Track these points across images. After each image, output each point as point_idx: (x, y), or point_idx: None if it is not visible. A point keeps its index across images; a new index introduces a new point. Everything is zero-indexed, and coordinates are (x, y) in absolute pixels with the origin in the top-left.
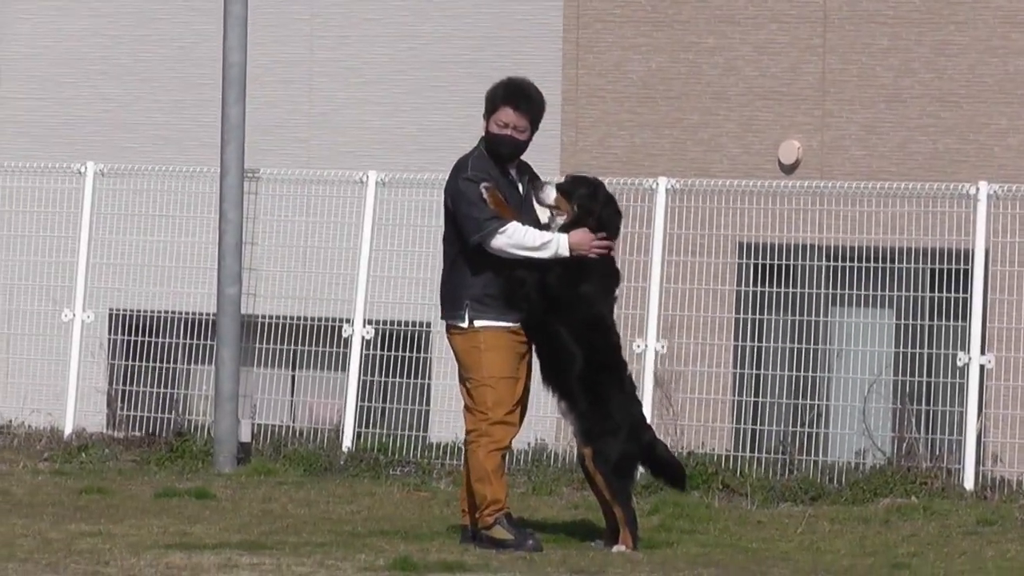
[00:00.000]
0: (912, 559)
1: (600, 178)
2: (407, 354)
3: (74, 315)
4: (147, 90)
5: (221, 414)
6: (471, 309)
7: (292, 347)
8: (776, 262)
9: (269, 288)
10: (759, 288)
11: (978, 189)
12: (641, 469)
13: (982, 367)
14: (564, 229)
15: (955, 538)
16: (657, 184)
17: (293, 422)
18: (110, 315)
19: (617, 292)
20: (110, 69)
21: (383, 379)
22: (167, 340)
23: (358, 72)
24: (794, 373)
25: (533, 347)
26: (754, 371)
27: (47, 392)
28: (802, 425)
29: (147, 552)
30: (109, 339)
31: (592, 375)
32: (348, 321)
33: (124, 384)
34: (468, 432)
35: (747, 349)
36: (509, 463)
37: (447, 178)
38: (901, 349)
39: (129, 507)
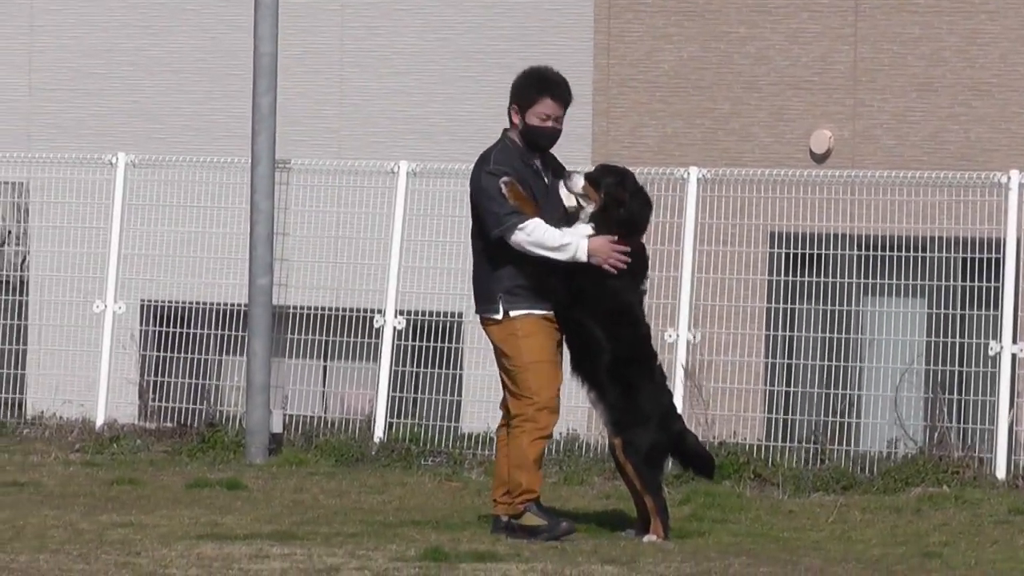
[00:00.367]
0: (943, 548)
1: (631, 168)
2: (439, 344)
3: (106, 306)
4: (177, 80)
5: (252, 405)
6: (504, 302)
7: (324, 337)
8: (808, 251)
9: (300, 278)
10: (791, 277)
11: (1010, 178)
12: (670, 459)
13: (1014, 356)
14: (592, 218)
15: (987, 527)
16: (688, 173)
17: (325, 412)
18: (141, 306)
19: (647, 282)
20: (140, 60)
21: (415, 369)
22: (198, 331)
23: (389, 62)
24: (826, 362)
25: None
26: (786, 360)
27: (79, 383)
28: (834, 415)
29: (178, 543)
30: (140, 330)
31: (621, 366)
32: (380, 311)
33: (155, 375)
34: (513, 417)
35: (779, 338)
36: None
37: (471, 172)
38: (933, 338)
39: (160, 498)
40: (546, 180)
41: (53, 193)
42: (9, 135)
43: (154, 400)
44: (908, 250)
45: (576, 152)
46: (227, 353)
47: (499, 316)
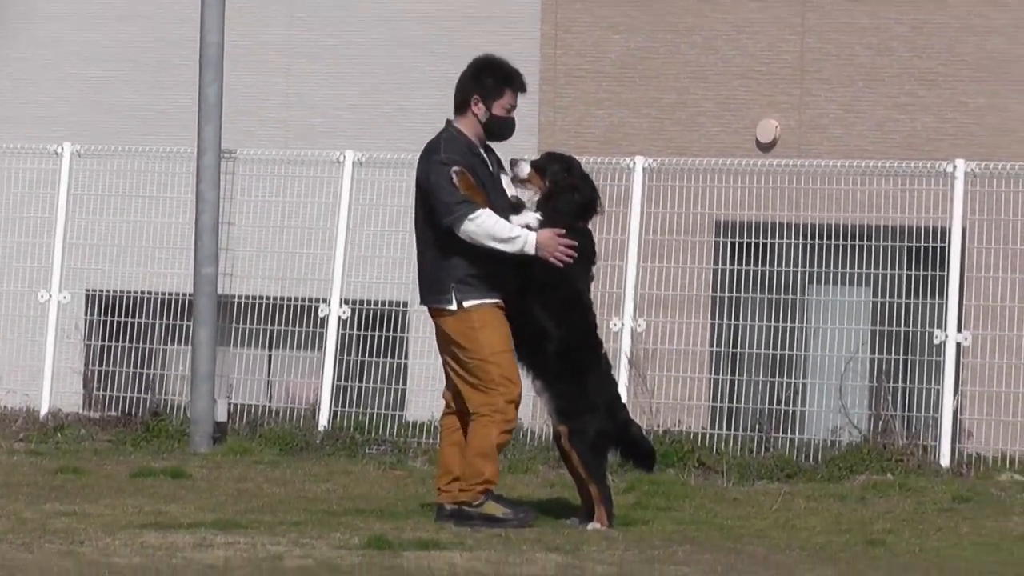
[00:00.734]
0: (887, 536)
1: (577, 157)
2: (384, 334)
3: (50, 296)
4: (124, 70)
5: (197, 394)
6: (457, 292)
7: (269, 327)
8: (753, 240)
9: (246, 268)
10: (736, 266)
11: (955, 167)
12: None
13: (958, 345)
14: (538, 206)
15: (930, 515)
16: (634, 163)
17: (269, 402)
18: (86, 295)
19: (594, 271)
20: (86, 50)
21: (359, 358)
22: (143, 320)
23: (336, 52)
24: (771, 351)
25: None
26: (731, 349)
27: (23, 372)
28: (778, 403)
29: (122, 531)
30: (85, 319)
31: (569, 354)
32: (325, 301)
33: (100, 364)
34: (479, 407)
35: (724, 327)
36: None
37: (417, 161)
38: (878, 327)
39: (104, 487)
40: (491, 168)
41: None
42: None
43: (99, 389)
44: (854, 239)
45: (523, 142)
46: (172, 342)
47: (453, 307)
